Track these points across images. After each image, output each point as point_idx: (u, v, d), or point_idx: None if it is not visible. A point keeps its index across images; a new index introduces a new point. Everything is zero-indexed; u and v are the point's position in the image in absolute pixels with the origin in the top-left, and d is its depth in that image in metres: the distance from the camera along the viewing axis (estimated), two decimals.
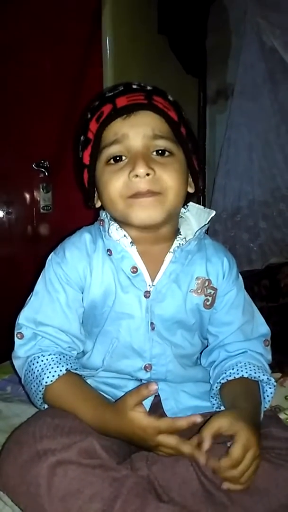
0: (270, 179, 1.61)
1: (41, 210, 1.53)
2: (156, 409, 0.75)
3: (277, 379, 0.99)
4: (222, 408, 0.75)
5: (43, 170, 1.48)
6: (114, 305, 0.75)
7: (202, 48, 1.81)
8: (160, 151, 0.71)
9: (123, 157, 0.72)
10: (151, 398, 0.74)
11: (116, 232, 0.75)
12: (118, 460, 0.61)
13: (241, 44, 1.67)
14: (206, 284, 0.78)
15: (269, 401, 0.75)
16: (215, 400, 0.76)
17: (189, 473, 0.62)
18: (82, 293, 0.76)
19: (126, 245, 0.74)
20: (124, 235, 0.75)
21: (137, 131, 0.70)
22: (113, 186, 0.71)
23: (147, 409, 0.72)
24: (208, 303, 0.78)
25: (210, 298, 0.78)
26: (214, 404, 0.76)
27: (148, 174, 0.69)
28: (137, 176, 0.68)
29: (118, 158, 0.72)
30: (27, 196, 1.55)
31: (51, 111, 1.43)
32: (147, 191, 0.69)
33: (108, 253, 0.76)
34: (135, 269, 0.74)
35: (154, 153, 0.71)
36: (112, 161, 0.72)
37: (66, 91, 1.42)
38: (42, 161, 1.47)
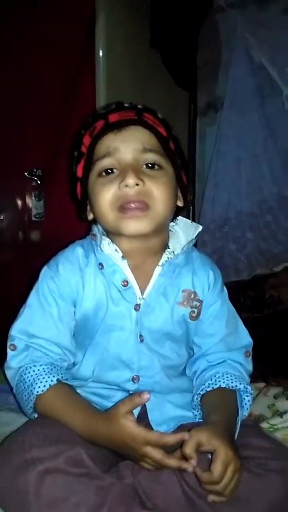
0: (257, 191, 1.64)
1: (33, 218, 1.54)
2: (142, 418, 0.77)
3: (261, 389, 1.03)
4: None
5: (35, 178, 1.50)
6: (105, 317, 0.77)
7: (193, 62, 1.85)
8: (150, 165, 0.75)
9: (115, 170, 0.75)
10: (138, 408, 0.75)
11: (107, 246, 0.77)
12: (104, 469, 0.63)
13: (231, 59, 1.70)
14: (192, 296, 0.80)
15: (247, 409, 0.77)
16: (197, 411, 0.78)
17: (172, 482, 0.65)
18: (75, 306, 0.78)
19: (117, 259, 0.77)
20: (116, 250, 0.77)
21: (127, 145, 0.74)
22: (104, 197, 0.74)
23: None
24: (194, 315, 0.80)
25: (196, 310, 0.80)
26: (196, 415, 0.78)
27: (137, 185, 0.71)
28: (126, 186, 0.71)
29: (109, 170, 0.75)
30: (19, 203, 1.56)
31: (44, 120, 1.44)
32: (137, 200, 0.72)
33: (100, 267, 0.78)
34: (125, 283, 0.76)
35: (144, 166, 0.74)
36: (103, 173, 0.75)
37: (59, 101, 1.44)
38: (35, 169, 1.49)
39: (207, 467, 0.62)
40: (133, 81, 1.54)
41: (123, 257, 0.77)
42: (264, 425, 0.87)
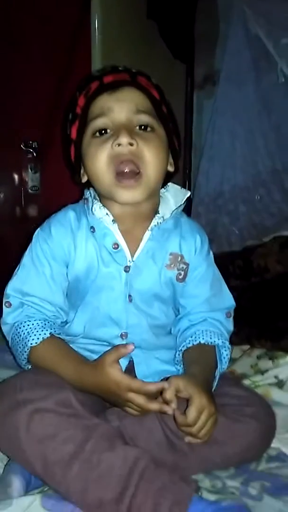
0: (251, 165, 1.66)
1: (29, 191, 1.55)
2: (129, 371, 0.81)
3: (245, 350, 1.08)
4: None
5: (31, 150, 1.50)
6: (96, 278, 0.80)
7: (191, 34, 1.84)
8: (142, 126, 0.76)
9: (108, 130, 0.76)
10: (125, 362, 0.80)
11: (99, 210, 0.80)
12: (92, 414, 0.68)
13: (228, 31, 1.69)
14: (179, 259, 0.83)
15: (226, 362, 0.81)
16: (179, 366, 0.82)
17: (155, 425, 0.70)
18: (67, 267, 0.81)
19: (108, 222, 0.79)
20: (107, 213, 0.79)
21: (121, 105, 0.75)
22: (98, 157, 0.75)
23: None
24: (180, 277, 0.83)
25: (182, 272, 0.83)
26: (179, 370, 0.83)
27: (131, 145, 0.73)
28: (119, 145, 0.73)
29: (103, 131, 0.76)
30: (15, 176, 1.57)
31: (40, 93, 1.44)
32: (130, 159, 0.73)
33: (92, 230, 0.80)
34: (116, 246, 0.79)
35: (137, 127, 0.76)
36: (97, 134, 0.77)
37: (55, 73, 1.44)
38: (31, 142, 1.49)
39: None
40: (129, 53, 1.53)
41: (113, 220, 0.79)
42: (246, 382, 0.91)
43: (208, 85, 1.94)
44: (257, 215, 1.63)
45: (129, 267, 0.80)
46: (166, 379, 0.72)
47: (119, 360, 0.72)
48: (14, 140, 1.49)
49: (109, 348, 0.81)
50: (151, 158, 0.75)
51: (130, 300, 0.81)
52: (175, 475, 0.61)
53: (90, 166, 0.77)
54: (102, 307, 0.81)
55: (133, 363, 0.82)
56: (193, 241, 0.85)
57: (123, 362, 0.80)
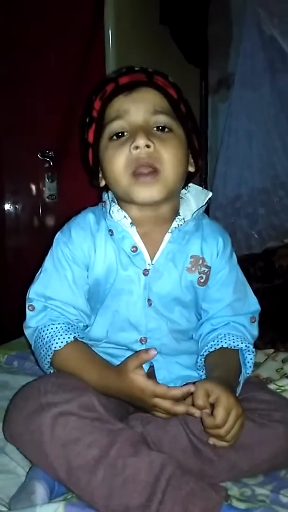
0: (269, 166, 1.63)
1: (46, 199, 1.57)
2: (150, 377, 0.78)
3: (269, 354, 1.05)
4: None
5: (48, 159, 1.52)
6: (115, 281, 0.79)
7: (204, 38, 1.84)
8: (160, 127, 0.75)
9: (125, 133, 0.75)
10: (146, 368, 0.78)
11: (117, 213, 0.79)
12: (115, 418, 0.66)
13: (242, 34, 1.68)
14: (200, 262, 0.81)
15: (250, 367, 0.79)
16: (201, 371, 0.81)
17: (179, 431, 0.68)
18: (87, 270, 0.80)
19: (126, 225, 0.78)
20: (124, 216, 0.78)
21: (138, 107, 0.74)
22: (116, 160, 0.74)
23: None
24: (202, 281, 0.81)
25: (204, 276, 0.81)
26: (201, 376, 0.81)
27: (148, 146, 0.72)
28: (137, 147, 0.72)
29: (120, 134, 0.75)
30: (33, 185, 1.59)
31: (55, 102, 1.46)
32: (148, 164, 0.72)
33: (110, 233, 0.79)
34: (135, 248, 0.78)
35: (155, 128, 0.75)
36: (114, 137, 0.76)
37: (69, 81, 1.46)
38: (47, 151, 1.51)
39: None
40: (143, 59, 1.53)
41: (131, 223, 0.78)
42: (272, 386, 0.88)
43: (223, 89, 1.93)
44: (277, 217, 1.60)
45: (148, 270, 0.79)
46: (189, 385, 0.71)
47: None
48: (31, 149, 1.51)
49: (129, 352, 0.80)
50: (169, 158, 0.74)
51: (150, 304, 0.79)
52: (203, 481, 0.59)
53: (108, 169, 0.77)
54: (122, 311, 0.80)
55: (154, 369, 0.80)
56: (215, 243, 0.83)
57: (143, 368, 0.78)
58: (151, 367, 0.80)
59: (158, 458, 0.60)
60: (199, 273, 0.81)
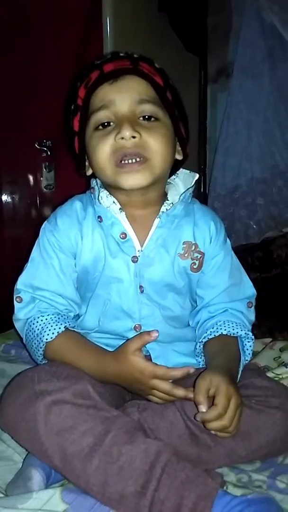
0: (268, 156, 1.62)
1: (44, 189, 1.56)
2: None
3: (267, 343, 1.05)
4: None
5: (45, 149, 1.51)
6: (104, 270, 0.78)
7: (203, 26, 1.82)
8: (146, 116, 0.74)
9: (111, 123, 0.74)
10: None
11: (106, 199, 0.78)
12: (110, 406, 0.66)
13: (241, 22, 1.67)
14: (193, 248, 0.80)
15: (249, 354, 0.79)
16: (200, 358, 0.80)
17: (176, 417, 0.68)
18: (75, 258, 0.79)
19: (116, 211, 0.77)
20: (114, 202, 0.77)
21: (123, 97, 0.73)
22: (101, 150, 0.73)
23: None
24: (195, 267, 0.81)
25: (197, 262, 0.81)
26: (199, 362, 0.80)
27: (134, 137, 0.71)
28: (122, 138, 0.71)
29: (106, 123, 0.74)
30: (30, 175, 1.58)
31: (53, 91, 1.45)
32: (133, 153, 0.71)
33: (99, 220, 0.78)
34: (124, 235, 0.77)
35: (141, 118, 0.74)
36: (100, 126, 0.75)
37: (67, 70, 1.44)
38: (44, 141, 1.50)
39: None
40: (141, 47, 1.51)
41: (121, 209, 0.77)
42: (270, 374, 0.88)
43: (222, 78, 1.91)
44: (275, 207, 1.59)
45: (137, 257, 0.78)
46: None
47: None
48: (28, 139, 1.50)
49: (123, 341, 0.79)
50: (156, 146, 0.73)
51: (142, 291, 0.79)
52: (199, 468, 0.59)
53: (93, 159, 0.76)
54: (113, 299, 0.79)
55: (151, 357, 0.79)
56: (207, 228, 0.82)
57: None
58: (148, 355, 0.79)
59: (153, 445, 0.60)
60: (192, 259, 0.80)
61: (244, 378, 0.73)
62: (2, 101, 1.52)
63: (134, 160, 0.72)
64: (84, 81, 0.77)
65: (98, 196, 0.78)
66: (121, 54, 0.78)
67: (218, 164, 1.67)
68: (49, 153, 1.52)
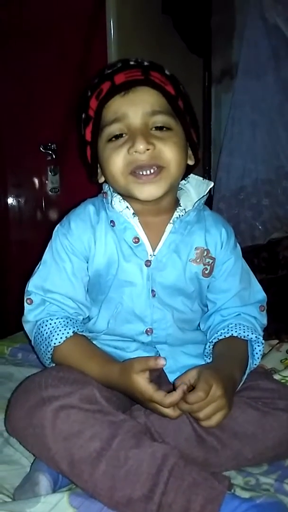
0: (273, 157, 1.61)
1: (49, 192, 1.57)
2: (156, 368, 0.79)
3: (274, 345, 1.04)
4: None
5: (50, 152, 1.52)
6: (117, 273, 0.79)
7: (207, 27, 1.81)
8: (158, 126, 0.74)
9: (124, 134, 0.74)
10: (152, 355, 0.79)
11: (119, 204, 0.78)
12: (117, 409, 0.66)
13: (245, 23, 1.66)
14: (205, 254, 0.81)
15: (258, 358, 0.79)
16: (208, 358, 0.80)
17: (183, 420, 0.68)
18: (87, 262, 0.80)
19: (129, 216, 0.78)
20: (127, 207, 0.78)
21: (135, 109, 0.73)
22: (114, 162, 0.74)
23: None
24: (206, 272, 0.81)
25: (208, 267, 0.81)
26: (208, 363, 0.80)
27: (148, 149, 0.71)
28: (136, 151, 0.71)
29: (118, 135, 0.75)
30: (35, 178, 1.59)
31: (57, 94, 1.45)
32: (149, 165, 0.72)
33: (111, 224, 0.79)
34: (137, 239, 0.77)
35: (153, 128, 0.74)
36: (113, 138, 0.75)
37: (72, 73, 1.45)
38: (49, 144, 1.50)
39: None
40: (145, 49, 1.52)
41: (134, 214, 0.78)
42: (276, 377, 0.88)
43: (226, 79, 1.91)
44: (281, 208, 1.58)
45: (150, 261, 0.78)
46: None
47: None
48: (33, 142, 1.51)
49: (134, 343, 0.80)
50: (171, 156, 0.74)
51: (154, 295, 0.79)
52: (206, 471, 0.59)
53: (107, 169, 0.76)
54: (126, 303, 0.80)
55: (160, 356, 0.79)
56: (219, 234, 0.83)
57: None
58: (157, 355, 0.80)
59: (160, 449, 0.60)
60: (204, 264, 0.81)
61: (251, 380, 0.73)
62: (6, 105, 1.53)
63: (150, 172, 0.73)
64: (95, 91, 0.76)
65: (111, 201, 0.79)
66: (131, 63, 0.77)
67: (223, 165, 1.67)
68: (54, 156, 1.52)
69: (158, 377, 0.80)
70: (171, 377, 0.79)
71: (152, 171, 0.73)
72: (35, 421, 0.62)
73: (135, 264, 0.79)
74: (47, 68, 1.45)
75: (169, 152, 0.73)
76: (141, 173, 0.73)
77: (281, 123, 1.61)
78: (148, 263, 0.78)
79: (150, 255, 0.79)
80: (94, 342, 0.80)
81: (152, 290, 0.79)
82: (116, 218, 0.78)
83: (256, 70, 1.64)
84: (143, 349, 0.81)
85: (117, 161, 0.74)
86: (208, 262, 0.81)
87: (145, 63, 0.78)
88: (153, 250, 0.79)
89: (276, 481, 0.64)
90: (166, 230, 0.79)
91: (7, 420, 0.69)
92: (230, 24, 1.85)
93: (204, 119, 1.84)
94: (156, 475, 0.57)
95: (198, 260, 0.81)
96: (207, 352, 0.81)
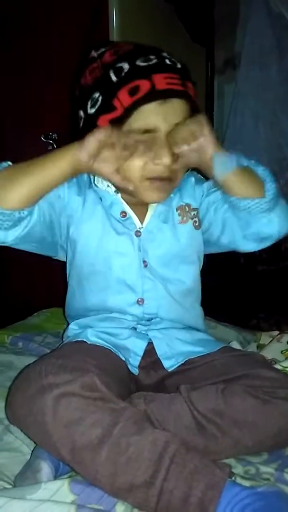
0: (276, 148, 1.61)
1: None
2: (150, 354, 0.81)
3: (274, 336, 1.04)
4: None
5: (51, 142, 1.51)
6: (108, 245, 0.81)
7: (210, 17, 1.79)
8: None
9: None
10: (144, 343, 0.81)
11: (101, 182, 0.82)
12: (117, 397, 0.66)
13: (249, 12, 1.64)
14: (187, 209, 0.84)
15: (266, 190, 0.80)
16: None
17: (183, 408, 0.68)
18: (68, 224, 0.82)
19: (111, 194, 0.81)
20: (108, 185, 0.81)
21: (168, 124, 0.72)
22: (134, 165, 0.74)
23: (141, 355, 0.80)
24: (196, 224, 0.85)
25: (196, 219, 0.85)
26: (203, 352, 0.81)
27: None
28: (160, 164, 0.73)
29: None
30: None
31: (58, 83, 1.44)
32: (166, 178, 0.75)
33: (100, 200, 0.82)
34: (124, 214, 0.81)
35: None
36: None
37: (74, 62, 1.43)
38: (51, 133, 1.50)
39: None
40: (148, 38, 1.49)
41: (116, 191, 0.81)
42: (277, 367, 0.88)
43: (229, 69, 1.89)
44: (284, 199, 1.57)
45: (140, 232, 0.81)
46: (191, 361, 0.77)
47: (137, 344, 0.78)
48: (34, 132, 1.49)
49: (126, 330, 0.82)
50: (183, 170, 0.78)
51: (145, 266, 0.82)
52: (207, 458, 0.59)
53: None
54: (117, 274, 0.82)
55: (153, 345, 0.82)
56: (189, 184, 0.86)
57: (142, 344, 0.81)
58: (150, 343, 0.82)
59: (161, 436, 0.60)
60: (191, 218, 0.84)
61: (251, 368, 0.73)
62: (7, 95, 1.52)
63: (164, 181, 0.76)
64: (127, 84, 0.71)
65: (94, 179, 0.82)
66: (168, 62, 0.74)
67: None
68: (55, 146, 1.51)
69: (153, 363, 0.80)
70: (166, 364, 0.81)
71: (166, 180, 0.76)
72: (36, 409, 0.62)
73: (126, 235, 0.82)
74: (48, 57, 1.44)
75: (183, 169, 0.78)
76: (157, 180, 0.75)
77: (284, 114, 1.59)
78: (138, 233, 0.82)
79: (139, 227, 0.82)
80: (89, 330, 0.82)
81: (144, 261, 0.82)
82: (102, 195, 0.82)
83: (259, 60, 1.62)
84: (136, 335, 0.82)
85: (136, 163, 0.73)
86: (194, 214, 0.84)
87: (178, 65, 0.76)
88: (141, 223, 0.82)
89: (277, 471, 0.64)
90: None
91: (8, 408, 0.69)
92: (234, 13, 1.82)
93: (206, 109, 1.82)
94: (157, 462, 0.57)
95: (184, 219, 0.84)
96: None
